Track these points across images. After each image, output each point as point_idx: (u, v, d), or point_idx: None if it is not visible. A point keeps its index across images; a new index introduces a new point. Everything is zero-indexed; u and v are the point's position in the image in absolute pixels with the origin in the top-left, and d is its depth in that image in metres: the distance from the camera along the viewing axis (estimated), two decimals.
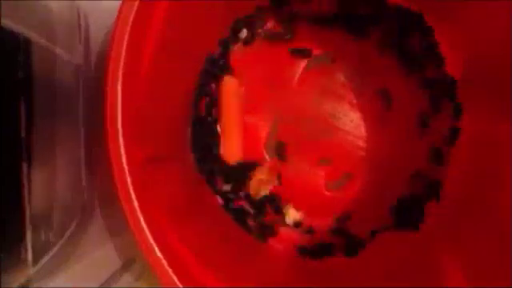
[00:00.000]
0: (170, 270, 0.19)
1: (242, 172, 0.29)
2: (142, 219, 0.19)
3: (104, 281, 0.26)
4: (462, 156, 0.28)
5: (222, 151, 0.29)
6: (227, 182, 0.29)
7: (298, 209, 0.29)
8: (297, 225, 0.29)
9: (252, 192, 0.29)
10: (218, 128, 0.29)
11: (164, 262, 0.19)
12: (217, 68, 0.29)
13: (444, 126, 0.29)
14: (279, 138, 0.30)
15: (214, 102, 0.29)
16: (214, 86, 0.29)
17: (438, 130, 0.29)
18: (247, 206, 0.29)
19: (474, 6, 0.25)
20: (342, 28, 0.29)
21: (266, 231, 0.29)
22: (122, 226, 0.20)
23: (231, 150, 0.29)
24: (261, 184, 0.29)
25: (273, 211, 0.29)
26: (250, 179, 0.29)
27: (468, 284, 0.23)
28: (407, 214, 0.29)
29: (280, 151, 0.29)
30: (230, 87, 0.29)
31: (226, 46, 0.29)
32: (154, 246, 0.19)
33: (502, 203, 0.24)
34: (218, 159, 0.29)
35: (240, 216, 0.29)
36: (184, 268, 0.20)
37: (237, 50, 0.29)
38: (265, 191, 0.29)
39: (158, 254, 0.19)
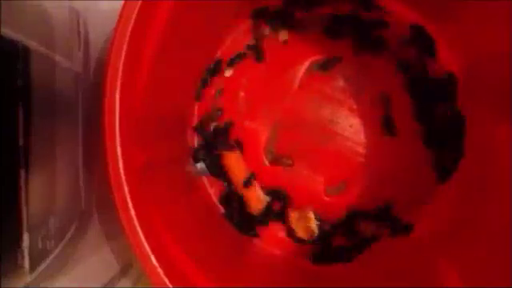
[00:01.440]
0: (166, 280, 0.19)
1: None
2: (138, 227, 0.19)
3: (102, 285, 0.26)
4: (462, 158, 0.28)
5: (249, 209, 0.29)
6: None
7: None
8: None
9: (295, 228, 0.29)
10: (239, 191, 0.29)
11: (160, 270, 0.19)
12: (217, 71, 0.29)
13: (444, 131, 0.29)
14: (279, 144, 0.30)
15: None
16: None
17: (440, 134, 0.29)
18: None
19: (474, 6, 0.25)
20: (342, 33, 0.29)
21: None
22: (119, 230, 0.20)
23: (255, 204, 0.29)
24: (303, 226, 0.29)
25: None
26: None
27: (465, 285, 0.23)
28: (405, 219, 0.29)
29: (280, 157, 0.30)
30: (234, 162, 0.29)
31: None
32: (150, 253, 0.19)
33: (500, 204, 0.24)
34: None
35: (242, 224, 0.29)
36: (181, 275, 0.20)
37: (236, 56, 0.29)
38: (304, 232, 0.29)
39: (154, 261, 0.19)
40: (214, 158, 0.29)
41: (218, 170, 0.29)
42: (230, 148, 0.29)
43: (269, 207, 0.29)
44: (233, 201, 0.29)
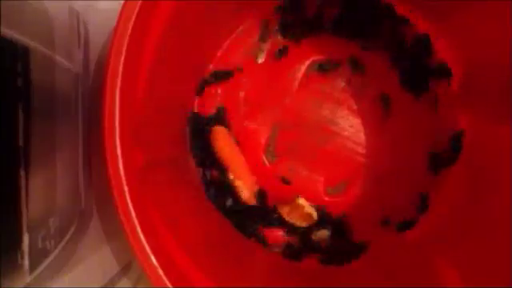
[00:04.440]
0: (165, 279, 0.19)
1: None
2: (138, 227, 0.19)
3: (102, 285, 0.26)
4: (461, 157, 0.28)
5: (243, 197, 0.29)
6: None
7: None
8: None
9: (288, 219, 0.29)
10: (231, 175, 0.29)
11: (160, 270, 0.19)
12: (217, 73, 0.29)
13: (444, 133, 0.29)
14: (279, 144, 0.30)
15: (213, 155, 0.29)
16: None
17: (439, 136, 0.29)
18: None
19: (474, 6, 0.25)
20: (342, 34, 0.30)
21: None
22: (119, 230, 0.20)
23: (247, 192, 0.29)
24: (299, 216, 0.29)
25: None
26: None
27: (465, 284, 0.23)
28: (405, 218, 0.29)
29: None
30: (222, 138, 0.29)
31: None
32: (150, 253, 0.19)
33: (500, 204, 0.24)
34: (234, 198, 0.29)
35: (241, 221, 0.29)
36: (181, 275, 0.20)
37: (237, 54, 0.29)
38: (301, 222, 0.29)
39: (154, 261, 0.19)
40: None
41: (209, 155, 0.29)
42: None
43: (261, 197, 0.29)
44: (225, 191, 0.29)
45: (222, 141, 0.29)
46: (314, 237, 0.29)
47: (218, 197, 0.29)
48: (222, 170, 0.29)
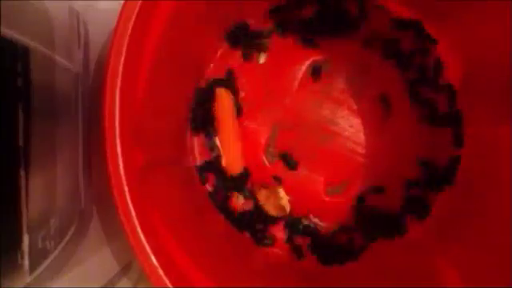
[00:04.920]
0: (166, 280, 0.19)
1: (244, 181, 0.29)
2: (138, 227, 0.19)
3: (102, 286, 0.26)
4: (462, 158, 0.28)
5: (224, 163, 0.29)
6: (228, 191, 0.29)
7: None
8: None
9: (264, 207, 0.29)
10: (217, 141, 0.29)
11: (160, 270, 0.19)
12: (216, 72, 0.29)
13: (444, 134, 0.29)
14: (279, 144, 0.30)
15: (210, 115, 0.29)
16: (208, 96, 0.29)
17: (439, 136, 0.29)
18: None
19: (474, 6, 0.25)
20: (342, 34, 0.30)
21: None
22: (119, 230, 0.20)
23: (233, 162, 0.29)
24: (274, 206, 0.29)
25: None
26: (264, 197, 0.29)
27: (465, 285, 0.23)
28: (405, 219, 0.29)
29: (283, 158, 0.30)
30: (224, 99, 0.29)
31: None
32: (150, 253, 0.19)
33: (500, 204, 0.24)
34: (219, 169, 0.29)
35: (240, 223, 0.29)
36: (181, 275, 0.20)
37: (236, 55, 0.29)
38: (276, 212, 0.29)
39: (154, 261, 0.19)
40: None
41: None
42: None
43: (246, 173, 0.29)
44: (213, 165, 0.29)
45: (222, 102, 0.29)
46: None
47: (216, 193, 0.29)
48: (212, 135, 0.29)
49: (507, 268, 0.22)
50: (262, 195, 0.29)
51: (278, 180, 0.29)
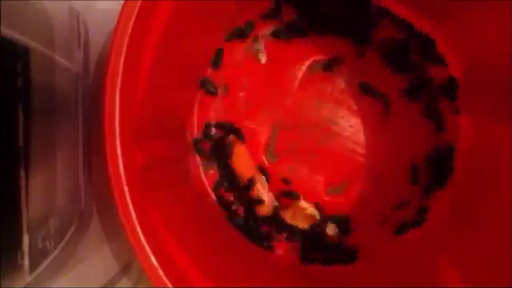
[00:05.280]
0: (166, 279, 0.19)
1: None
2: (138, 227, 0.19)
3: (102, 285, 0.26)
4: (462, 158, 0.28)
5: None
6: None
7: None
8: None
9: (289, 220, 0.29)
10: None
11: (160, 270, 0.19)
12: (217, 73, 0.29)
13: (444, 133, 0.29)
14: (279, 144, 0.30)
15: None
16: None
17: (438, 136, 0.29)
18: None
19: (474, 6, 0.25)
20: (343, 34, 0.29)
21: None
22: (119, 230, 0.20)
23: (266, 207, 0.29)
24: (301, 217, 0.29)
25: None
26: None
27: (465, 285, 0.23)
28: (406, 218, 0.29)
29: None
30: (241, 155, 0.29)
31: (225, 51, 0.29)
32: (150, 253, 0.19)
33: (500, 204, 0.24)
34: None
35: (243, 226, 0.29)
36: (181, 277, 0.20)
37: (237, 54, 0.29)
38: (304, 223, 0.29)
39: (154, 262, 0.19)
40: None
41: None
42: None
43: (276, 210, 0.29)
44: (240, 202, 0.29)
45: (242, 159, 0.29)
46: (328, 231, 0.29)
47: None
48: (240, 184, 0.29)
49: (507, 268, 0.22)
50: (288, 216, 0.29)
51: (287, 182, 0.29)
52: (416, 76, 0.29)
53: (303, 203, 0.29)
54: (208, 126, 0.29)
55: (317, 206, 0.29)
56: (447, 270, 0.24)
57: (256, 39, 0.30)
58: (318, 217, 0.29)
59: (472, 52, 0.27)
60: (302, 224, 0.29)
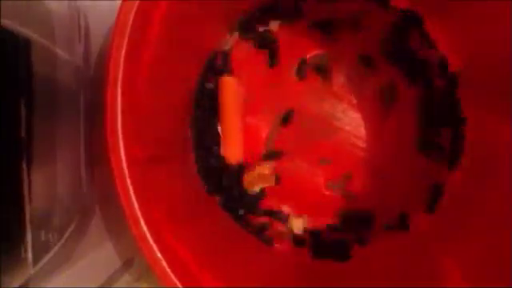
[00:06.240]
0: (169, 271, 0.19)
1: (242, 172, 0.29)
2: (141, 220, 0.19)
3: (104, 281, 0.26)
4: (462, 158, 0.28)
5: (223, 152, 0.29)
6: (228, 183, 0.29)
7: (299, 214, 0.29)
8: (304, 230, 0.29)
9: (246, 184, 0.29)
10: (219, 129, 0.29)
11: (164, 262, 0.19)
12: (217, 68, 0.29)
13: (444, 130, 0.29)
14: (279, 139, 0.30)
15: (214, 103, 0.29)
16: (213, 85, 0.29)
17: (439, 130, 0.29)
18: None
19: (474, 6, 0.25)
20: (342, 28, 0.29)
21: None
22: (121, 225, 0.20)
23: (232, 151, 0.29)
24: (258, 179, 0.29)
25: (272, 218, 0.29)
26: (248, 172, 0.29)
27: (467, 284, 0.23)
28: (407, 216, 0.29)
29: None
30: (229, 87, 0.29)
31: (226, 46, 0.29)
32: (154, 246, 0.19)
33: (501, 204, 0.24)
34: (219, 159, 0.29)
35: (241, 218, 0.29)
36: (184, 268, 0.20)
37: (237, 50, 0.29)
38: (259, 187, 0.29)
39: (158, 254, 0.19)
40: None
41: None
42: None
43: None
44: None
45: (227, 89, 0.29)
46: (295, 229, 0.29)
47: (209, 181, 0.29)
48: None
49: (508, 268, 0.22)
50: (248, 180, 0.29)
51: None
52: (417, 71, 0.29)
53: (264, 168, 0.29)
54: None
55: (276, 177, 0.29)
56: (448, 270, 0.24)
57: (257, 35, 0.30)
58: (273, 181, 0.29)
59: (472, 52, 0.27)
60: (257, 185, 0.29)
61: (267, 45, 0.30)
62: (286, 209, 0.29)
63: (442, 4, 0.27)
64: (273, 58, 0.29)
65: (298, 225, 0.29)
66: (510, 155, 0.25)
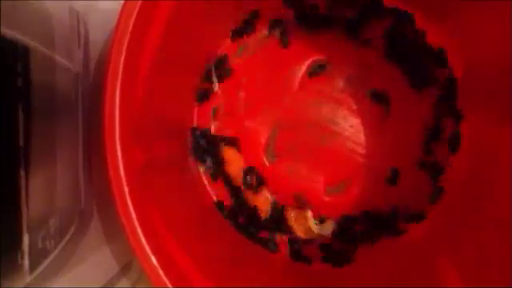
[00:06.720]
0: (165, 279, 0.19)
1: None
2: (138, 227, 0.19)
3: (102, 286, 0.26)
4: (462, 159, 0.28)
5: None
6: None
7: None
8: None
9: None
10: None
11: (160, 270, 0.19)
12: (217, 72, 0.29)
13: (444, 132, 0.29)
14: (278, 144, 0.30)
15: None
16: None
17: (438, 135, 0.29)
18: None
19: (474, 7, 0.25)
20: (341, 33, 0.29)
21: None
22: (119, 230, 0.20)
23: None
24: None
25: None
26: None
27: (465, 285, 0.23)
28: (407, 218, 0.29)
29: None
30: (233, 159, 0.29)
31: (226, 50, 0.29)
32: (150, 253, 0.19)
33: (500, 204, 0.24)
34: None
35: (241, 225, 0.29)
36: (181, 276, 0.20)
37: (237, 55, 0.29)
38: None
39: (154, 261, 0.19)
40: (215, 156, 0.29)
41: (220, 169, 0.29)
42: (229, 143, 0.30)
43: (275, 208, 0.29)
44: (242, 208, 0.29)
45: (234, 163, 0.29)
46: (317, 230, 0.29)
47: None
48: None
49: (507, 268, 0.22)
50: (291, 216, 0.29)
51: (301, 201, 0.29)
52: (416, 74, 0.29)
53: (309, 214, 0.29)
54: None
55: (321, 222, 0.29)
56: (448, 270, 0.24)
57: (256, 39, 0.30)
58: (316, 232, 0.29)
59: (472, 52, 0.27)
60: (300, 232, 0.29)
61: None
62: (288, 214, 0.29)
63: (441, 5, 0.27)
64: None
65: (327, 227, 0.29)
66: (509, 155, 0.25)
